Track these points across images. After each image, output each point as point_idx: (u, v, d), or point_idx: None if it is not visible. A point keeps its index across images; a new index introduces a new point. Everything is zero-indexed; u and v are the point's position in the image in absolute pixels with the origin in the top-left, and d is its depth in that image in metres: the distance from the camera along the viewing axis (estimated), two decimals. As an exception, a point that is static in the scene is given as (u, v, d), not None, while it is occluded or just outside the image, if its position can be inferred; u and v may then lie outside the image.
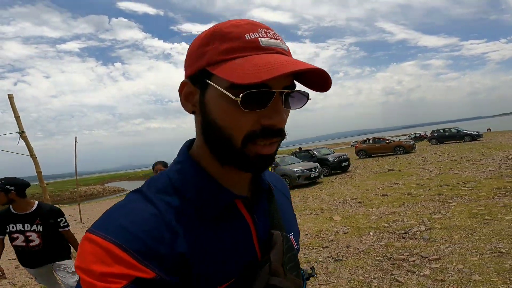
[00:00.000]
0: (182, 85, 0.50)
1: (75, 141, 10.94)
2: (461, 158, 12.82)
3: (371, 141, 21.21)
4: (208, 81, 0.45)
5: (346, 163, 14.81)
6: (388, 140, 20.62)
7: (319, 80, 0.46)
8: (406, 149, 19.14)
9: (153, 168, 3.41)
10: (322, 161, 14.47)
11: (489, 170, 8.88)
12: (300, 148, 17.45)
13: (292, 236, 0.59)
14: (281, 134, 0.46)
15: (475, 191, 6.54)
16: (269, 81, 0.42)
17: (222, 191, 0.49)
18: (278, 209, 0.57)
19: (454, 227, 4.46)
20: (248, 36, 0.44)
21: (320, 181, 12.49)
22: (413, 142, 20.66)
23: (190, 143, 0.55)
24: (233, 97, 0.42)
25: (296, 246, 0.59)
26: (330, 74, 0.47)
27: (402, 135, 43.46)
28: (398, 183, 9.11)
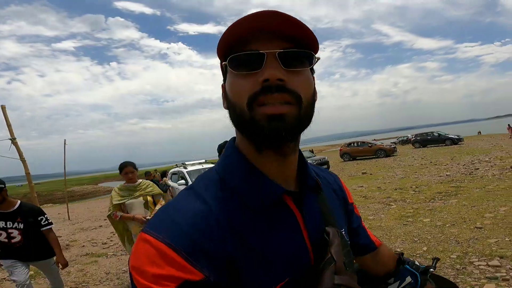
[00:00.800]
0: (222, 89, 0.53)
1: (64, 144, 11.61)
2: (431, 162, 13.55)
3: (355, 144, 21.94)
4: (224, 65, 0.49)
5: (325, 167, 15.55)
6: (371, 143, 21.36)
7: (309, 40, 0.47)
8: (387, 153, 19.90)
9: (121, 171, 3.23)
10: (302, 164, 15.20)
11: (446, 175, 9.59)
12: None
13: (344, 231, 0.58)
14: (284, 90, 0.44)
15: (418, 195, 7.25)
16: (255, 44, 0.45)
17: (271, 185, 0.49)
18: (328, 205, 0.57)
19: (378, 227, 5.16)
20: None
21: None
22: (395, 145, 21.43)
23: (235, 139, 0.55)
24: (223, 62, 0.48)
25: (349, 242, 0.59)
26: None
27: (393, 138, 44.33)
28: (362, 186, 9.81)
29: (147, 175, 8.84)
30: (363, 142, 21.94)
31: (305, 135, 0.52)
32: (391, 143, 28.34)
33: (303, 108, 0.46)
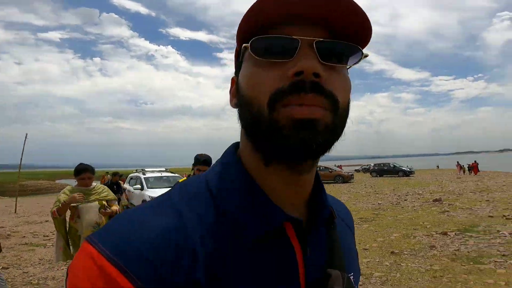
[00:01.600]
0: (231, 83, 0.45)
1: (25, 138, 11.74)
2: (375, 191, 14.88)
3: (318, 169, 23.20)
4: (243, 49, 0.40)
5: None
6: (331, 169, 22.78)
7: (357, 30, 0.37)
8: (345, 179, 21.34)
9: (77, 174, 3.02)
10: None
11: (378, 203, 10.76)
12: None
13: (352, 276, 0.47)
14: (320, 90, 0.34)
15: (342, 218, 8.25)
16: (287, 28, 0.36)
17: (270, 209, 0.38)
18: (339, 242, 0.45)
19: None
20: None
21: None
22: (352, 173, 23.02)
23: (237, 145, 0.45)
24: (244, 44, 0.38)
25: None
26: None
27: (360, 165, 46.91)
28: (305, 207, 10.75)
29: (115, 175, 8.98)
30: (326, 167, 23.30)
31: None
32: (354, 170, 30.13)
33: (339, 116, 0.37)
